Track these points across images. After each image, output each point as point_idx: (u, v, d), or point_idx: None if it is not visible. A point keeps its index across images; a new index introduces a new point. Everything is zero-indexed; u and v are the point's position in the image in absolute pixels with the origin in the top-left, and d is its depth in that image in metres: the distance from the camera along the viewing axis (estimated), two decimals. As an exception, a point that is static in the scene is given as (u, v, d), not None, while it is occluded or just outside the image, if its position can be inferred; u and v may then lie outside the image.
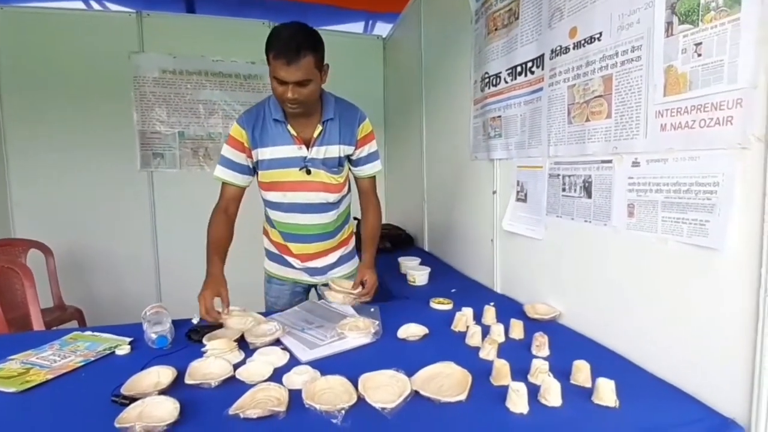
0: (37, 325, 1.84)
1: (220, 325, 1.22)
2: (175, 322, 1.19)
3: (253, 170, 1.38)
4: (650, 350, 0.98)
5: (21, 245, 2.48)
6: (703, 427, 0.77)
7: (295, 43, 1.10)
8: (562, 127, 1.22)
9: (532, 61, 1.34)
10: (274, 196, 1.40)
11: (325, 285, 1.53)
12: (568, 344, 1.11)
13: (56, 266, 2.48)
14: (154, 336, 1.11)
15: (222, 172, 1.35)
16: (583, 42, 1.12)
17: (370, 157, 1.42)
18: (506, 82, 1.50)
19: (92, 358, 1.05)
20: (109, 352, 1.08)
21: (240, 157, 1.33)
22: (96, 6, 2.97)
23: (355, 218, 2.97)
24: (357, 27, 3.45)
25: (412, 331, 1.17)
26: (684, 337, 0.91)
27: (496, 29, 1.54)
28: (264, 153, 1.32)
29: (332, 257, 1.51)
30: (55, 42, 2.72)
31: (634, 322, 1.03)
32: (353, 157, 1.40)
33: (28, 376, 0.94)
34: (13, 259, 2.24)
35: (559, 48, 1.21)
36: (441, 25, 2.19)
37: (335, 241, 1.51)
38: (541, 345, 1.03)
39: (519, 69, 1.41)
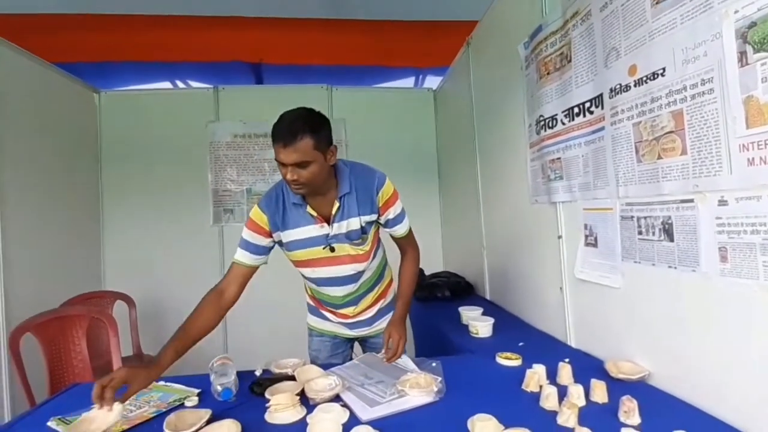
0: (118, 373, 1.96)
1: (284, 378, 1.22)
2: (240, 374, 1.22)
3: (268, 251, 1.35)
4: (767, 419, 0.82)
5: (109, 297, 2.72)
6: None
7: (292, 126, 1.13)
8: (631, 166, 1.15)
9: (590, 101, 1.31)
10: (305, 272, 1.41)
11: (363, 340, 1.54)
12: (662, 410, 0.97)
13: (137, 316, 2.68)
14: (219, 389, 1.14)
15: (237, 254, 1.33)
16: (645, 79, 1.08)
17: (398, 219, 1.38)
18: (563, 124, 1.46)
19: (164, 409, 1.09)
20: (179, 403, 1.13)
21: (257, 239, 1.31)
22: (180, 84, 3.42)
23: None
24: (408, 82, 3.62)
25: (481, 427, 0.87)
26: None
27: (548, 73, 1.53)
28: (289, 235, 1.32)
29: (370, 312, 1.49)
30: (146, 118, 3.14)
31: (742, 384, 0.88)
32: (381, 221, 1.38)
33: (108, 426, 0.99)
34: (102, 310, 2.45)
35: (618, 86, 1.17)
36: (490, 73, 2.23)
37: (372, 296, 1.48)
38: (629, 411, 0.91)
39: (576, 110, 1.38)
